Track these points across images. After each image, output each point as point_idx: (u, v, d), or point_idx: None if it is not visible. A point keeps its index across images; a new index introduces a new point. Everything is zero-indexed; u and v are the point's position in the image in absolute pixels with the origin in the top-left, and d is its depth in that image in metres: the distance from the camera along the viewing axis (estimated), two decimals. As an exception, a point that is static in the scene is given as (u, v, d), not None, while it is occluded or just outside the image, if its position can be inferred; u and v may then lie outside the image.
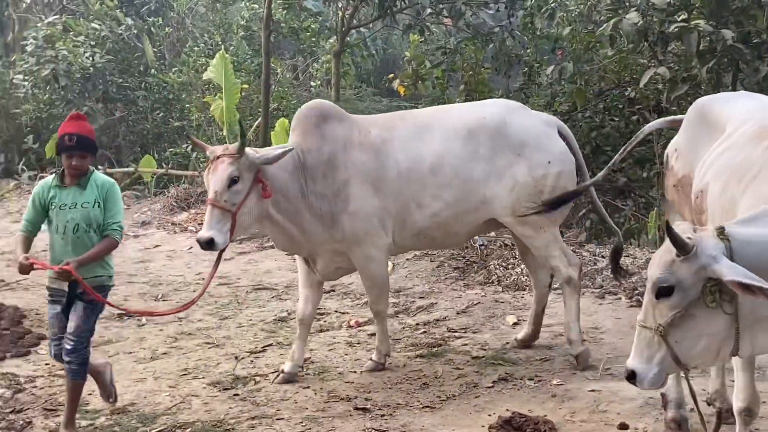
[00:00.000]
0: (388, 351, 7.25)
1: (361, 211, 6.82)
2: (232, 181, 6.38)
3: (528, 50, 13.73)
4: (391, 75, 16.40)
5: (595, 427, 5.91)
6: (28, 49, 17.29)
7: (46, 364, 7.39)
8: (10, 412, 6.41)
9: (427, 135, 6.99)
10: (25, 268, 5.66)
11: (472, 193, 6.95)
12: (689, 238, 3.99)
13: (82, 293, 5.74)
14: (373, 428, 6.04)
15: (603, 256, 9.73)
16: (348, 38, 15.10)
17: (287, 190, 6.70)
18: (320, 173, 6.80)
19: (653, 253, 9.40)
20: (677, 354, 4.07)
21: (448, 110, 7.48)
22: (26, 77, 17.46)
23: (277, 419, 6.26)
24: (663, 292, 4.05)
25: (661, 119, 6.55)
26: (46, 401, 6.62)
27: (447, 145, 6.95)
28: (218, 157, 6.44)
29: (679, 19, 9.80)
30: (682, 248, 3.94)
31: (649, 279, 4.13)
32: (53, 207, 5.81)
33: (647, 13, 9.98)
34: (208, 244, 6.31)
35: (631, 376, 4.18)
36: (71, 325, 5.77)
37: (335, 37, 14.84)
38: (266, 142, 13.73)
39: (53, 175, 5.92)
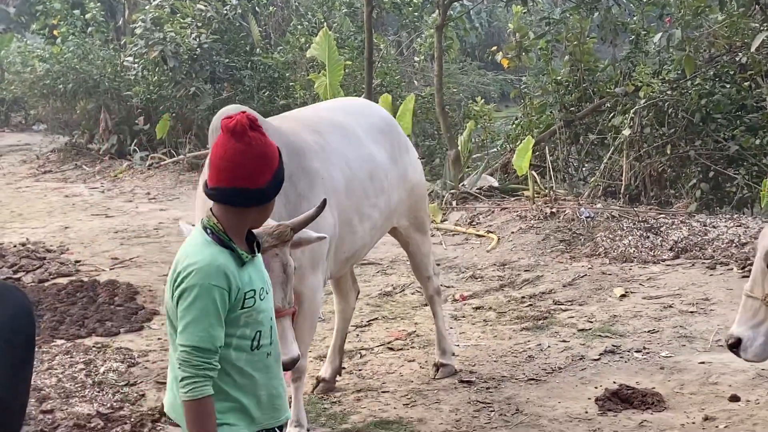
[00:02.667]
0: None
1: (321, 231, 5.30)
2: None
3: (634, 18, 13.46)
4: (494, 48, 16.25)
5: (705, 399, 5.81)
6: (137, 32, 17.63)
7: (159, 339, 7.58)
8: (125, 385, 6.59)
9: (350, 136, 6.05)
10: None
11: (392, 197, 6.22)
12: None
13: None
14: (477, 401, 6.05)
15: (714, 227, 9.52)
16: (451, 11, 14.98)
17: None
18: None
19: (766, 222, 9.19)
20: None
21: (344, 107, 6.51)
22: (136, 60, 17.82)
23: (382, 392, 6.31)
24: None
25: None
26: (158, 374, 6.78)
27: (370, 146, 6.13)
28: (263, 251, 4.14)
29: (792, -20, 9.48)
30: None
31: (761, 248, 4.03)
32: (251, 303, 3.26)
33: (758, -26, 9.69)
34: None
35: (735, 345, 4.08)
36: None
37: (438, 10, 14.74)
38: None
39: (203, 235, 3.26)
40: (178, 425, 3.32)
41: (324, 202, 4.60)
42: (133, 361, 7.08)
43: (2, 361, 2.48)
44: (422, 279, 6.84)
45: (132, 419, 5.96)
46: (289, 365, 4.30)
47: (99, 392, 6.45)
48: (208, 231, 3.23)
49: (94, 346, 7.36)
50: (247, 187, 3.19)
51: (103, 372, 6.79)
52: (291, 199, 5.33)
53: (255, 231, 3.94)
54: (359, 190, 5.93)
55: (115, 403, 6.26)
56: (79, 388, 6.51)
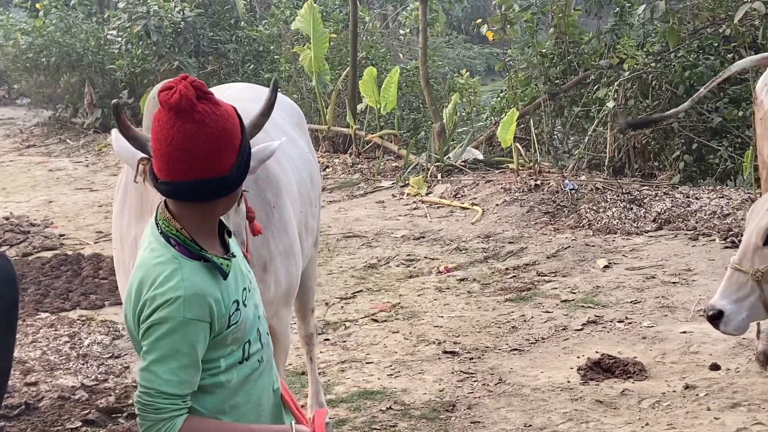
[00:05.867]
0: None
1: (302, 260, 4.48)
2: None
3: (619, -10, 13.43)
4: (479, 20, 16.20)
5: (685, 368, 5.86)
6: (120, 5, 17.51)
7: (143, 312, 7.59)
8: (109, 358, 6.61)
9: (286, 133, 4.69)
10: None
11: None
12: None
13: None
14: (461, 371, 6.08)
15: (697, 198, 9.57)
16: (435, -16, 14.96)
17: None
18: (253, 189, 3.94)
19: (748, 193, 9.22)
20: None
21: (259, 97, 4.24)
22: (120, 33, 17.71)
23: (366, 363, 6.34)
24: None
25: (750, 57, 6.36)
26: (142, 347, 6.80)
27: (302, 145, 5.02)
28: None
29: (775, -48, 9.48)
30: None
31: (760, 227, 3.97)
32: (237, 318, 2.54)
33: (742, -54, 9.69)
34: None
35: (716, 317, 4.02)
36: None
37: (422, -17, 14.67)
38: (354, 92, 13.73)
39: (167, 248, 2.49)
40: None
41: (275, 83, 3.41)
42: (117, 333, 7.09)
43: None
44: (306, 312, 5.42)
45: (116, 391, 5.98)
46: None
47: (83, 365, 6.47)
48: (172, 241, 2.45)
49: (78, 319, 7.38)
50: (209, 178, 2.42)
51: (88, 345, 6.81)
52: (262, 209, 4.02)
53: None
54: (306, 198, 4.74)
55: (99, 376, 6.28)
56: (64, 361, 6.52)
